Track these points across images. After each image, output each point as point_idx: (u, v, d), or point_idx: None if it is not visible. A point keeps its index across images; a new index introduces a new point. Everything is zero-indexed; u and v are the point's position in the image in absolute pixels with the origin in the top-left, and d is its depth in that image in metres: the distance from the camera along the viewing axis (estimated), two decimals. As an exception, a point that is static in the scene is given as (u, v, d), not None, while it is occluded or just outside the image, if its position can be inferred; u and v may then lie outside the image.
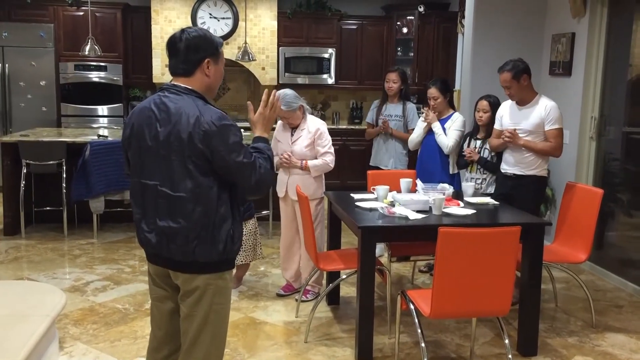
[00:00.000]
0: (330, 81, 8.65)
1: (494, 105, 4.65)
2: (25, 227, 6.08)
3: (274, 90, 2.57)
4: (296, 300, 4.38)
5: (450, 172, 5.00)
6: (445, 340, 3.91)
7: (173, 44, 2.37)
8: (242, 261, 4.62)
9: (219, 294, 2.40)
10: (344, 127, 8.76)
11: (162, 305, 2.51)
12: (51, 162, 5.98)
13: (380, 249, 5.27)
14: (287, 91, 4.33)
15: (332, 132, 8.43)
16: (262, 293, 4.67)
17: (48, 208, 6.26)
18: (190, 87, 2.36)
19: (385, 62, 8.65)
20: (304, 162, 4.34)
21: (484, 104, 4.70)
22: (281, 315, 4.24)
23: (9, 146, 5.99)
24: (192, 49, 2.35)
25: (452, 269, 3.02)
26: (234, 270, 4.70)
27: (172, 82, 2.40)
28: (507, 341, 3.34)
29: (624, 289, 4.93)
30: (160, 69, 8.04)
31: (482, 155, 4.69)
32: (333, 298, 4.45)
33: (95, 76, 8.07)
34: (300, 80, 8.46)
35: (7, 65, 7.80)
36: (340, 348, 3.76)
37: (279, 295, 4.59)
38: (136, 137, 2.38)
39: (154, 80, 8.05)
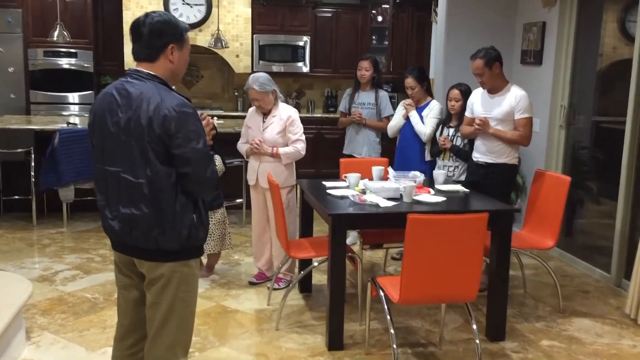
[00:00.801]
0: (305, 69, 8.61)
1: (465, 93, 4.67)
2: (-4, 216, 5.99)
3: (207, 117, 2.55)
4: (268, 288, 4.37)
5: (426, 159, 5.03)
6: (415, 327, 3.95)
7: (136, 28, 2.33)
8: (211, 250, 4.59)
9: (185, 282, 2.39)
10: (319, 115, 8.74)
11: (128, 293, 2.50)
12: (19, 150, 5.88)
13: (353, 237, 5.29)
14: (261, 74, 4.34)
15: (307, 120, 8.51)
16: (234, 281, 4.66)
17: (16, 197, 6.16)
18: (153, 73, 2.33)
19: (360, 51, 8.61)
20: (274, 149, 4.32)
21: (456, 92, 4.73)
22: (253, 304, 4.24)
23: (-24, 134, 5.87)
24: (155, 34, 2.31)
25: (420, 256, 3.04)
26: (205, 259, 4.71)
27: (135, 68, 2.36)
28: (474, 326, 3.38)
29: (591, 274, 5.02)
30: (131, 55, 7.91)
31: (454, 143, 4.72)
32: (305, 286, 4.46)
33: (65, 63, 7.92)
34: (275, 68, 8.41)
35: (-27, 51, 7.62)
36: (311, 335, 3.77)
37: (251, 284, 4.58)
38: (99, 123, 2.35)
39: (126, 67, 7.92)
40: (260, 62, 8.36)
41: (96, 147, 2.39)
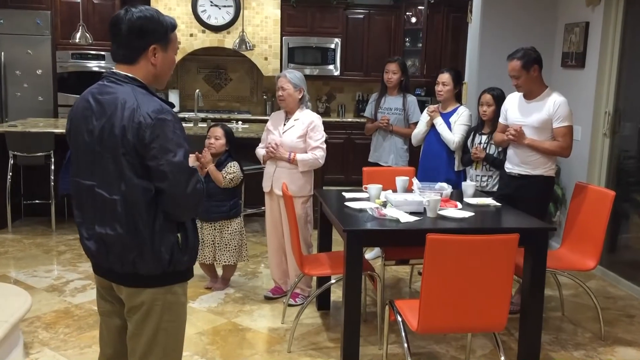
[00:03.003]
0: (336, 72, 8.35)
1: (498, 98, 4.34)
2: (14, 220, 5.89)
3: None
4: (284, 304, 4.11)
5: (456, 169, 4.71)
6: (439, 352, 3.63)
7: (114, 25, 2.07)
8: (226, 262, 4.37)
9: (169, 311, 2.13)
10: (350, 120, 8.46)
11: (110, 320, 2.26)
12: (39, 154, 5.77)
13: (377, 251, 5.00)
14: (297, 71, 4.24)
15: (337, 125, 8.33)
16: (249, 295, 4.41)
17: (37, 201, 6.06)
18: (131, 76, 2.08)
19: (392, 53, 8.29)
20: (292, 154, 4.06)
21: (488, 97, 4.40)
22: (266, 321, 3.98)
23: (-4, 137, 5.79)
24: (135, 33, 2.05)
25: (441, 280, 2.74)
26: (220, 271, 4.48)
27: (112, 70, 2.11)
28: (502, 357, 3.05)
29: (636, 296, 4.61)
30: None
31: (488, 152, 4.39)
32: (323, 303, 4.18)
33: (93, 65, 7.83)
34: (305, 71, 8.15)
35: (2, 53, 7.58)
36: (325, 359, 3.49)
37: (267, 299, 4.33)
38: (74, 131, 2.12)
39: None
40: (290, 64, 8.11)
41: (72, 157, 2.16)
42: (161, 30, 2.09)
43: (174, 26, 2.15)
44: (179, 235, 2.11)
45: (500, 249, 2.73)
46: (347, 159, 8.10)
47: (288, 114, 4.20)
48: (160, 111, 2.01)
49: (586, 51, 5.19)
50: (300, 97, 4.12)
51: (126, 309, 2.15)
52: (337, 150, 8.04)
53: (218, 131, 4.29)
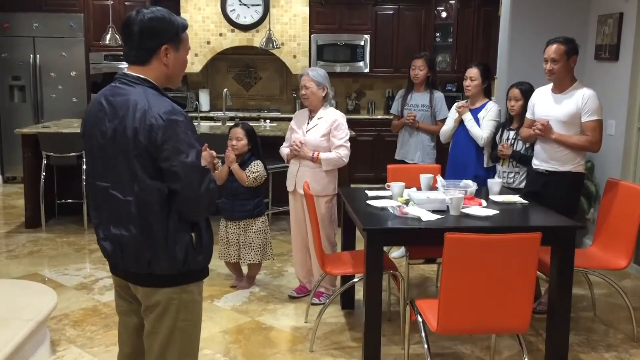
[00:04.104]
0: (365, 69, 8.28)
1: (526, 92, 4.23)
2: (47, 220, 6.01)
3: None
4: (308, 303, 4.10)
5: (485, 166, 4.62)
6: (464, 353, 3.57)
7: (126, 26, 2.09)
8: (251, 260, 4.37)
9: (185, 310, 2.14)
10: (380, 117, 8.39)
11: (128, 319, 2.29)
12: (71, 154, 5.87)
13: (402, 250, 4.93)
14: (320, 69, 4.25)
15: (366, 122, 8.28)
16: (274, 294, 4.41)
17: (70, 200, 6.18)
18: (142, 77, 2.09)
19: (422, 49, 8.18)
20: (315, 153, 4.04)
21: (516, 92, 4.30)
22: (290, 320, 3.98)
23: (30, 138, 5.92)
24: (147, 34, 2.07)
25: (461, 280, 2.68)
26: (245, 270, 4.49)
27: (124, 72, 2.13)
28: (526, 359, 2.97)
29: (674, 296, 4.45)
30: (190, 58, 7.86)
31: (515, 148, 4.29)
32: (348, 302, 4.15)
33: (126, 66, 7.91)
34: (334, 68, 8.10)
35: (38, 55, 7.77)
36: (346, 359, 3.46)
37: (291, 297, 4.32)
38: (88, 134, 2.15)
39: (185, 71, 7.86)
40: (319, 62, 8.08)
41: (86, 159, 2.20)
42: (172, 30, 2.11)
43: (185, 26, 2.16)
44: (192, 235, 2.12)
45: (522, 248, 2.66)
46: (376, 157, 8.03)
47: (312, 113, 4.18)
48: (172, 112, 2.02)
49: (620, 43, 5.03)
50: (323, 95, 4.10)
51: (143, 307, 2.18)
52: (366, 147, 7.99)
53: (239, 132, 4.30)
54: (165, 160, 2.00)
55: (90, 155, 2.16)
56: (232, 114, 7.63)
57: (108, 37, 6.26)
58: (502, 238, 2.68)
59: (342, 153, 4.07)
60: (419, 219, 3.27)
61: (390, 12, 8.29)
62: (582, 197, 5.24)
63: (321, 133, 4.08)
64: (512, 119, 4.41)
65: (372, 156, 8.10)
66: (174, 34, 2.11)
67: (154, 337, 2.16)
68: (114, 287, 2.34)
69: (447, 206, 3.44)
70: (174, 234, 2.06)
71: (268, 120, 6.74)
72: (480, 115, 4.58)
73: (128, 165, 2.03)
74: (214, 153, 2.32)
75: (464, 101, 4.73)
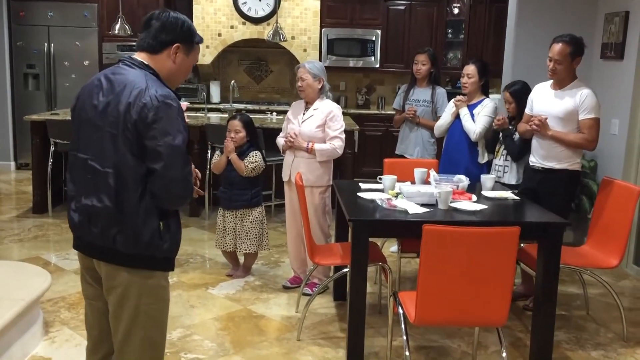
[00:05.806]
0: (376, 64, 8.28)
1: (517, 93, 4.27)
2: (54, 206, 6.12)
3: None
4: (299, 293, 4.14)
5: (480, 162, 4.62)
6: (451, 347, 3.58)
7: (149, 19, 2.22)
8: (247, 250, 4.43)
9: (148, 293, 2.18)
10: (390, 112, 8.36)
11: (94, 303, 2.33)
12: (79, 142, 5.96)
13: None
14: (318, 61, 4.29)
15: (375, 117, 8.29)
16: (268, 284, 4.46)
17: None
18: (146, 63, 2.18)
19: (434, 45, 8.14)
20: (310, 144, 4.07)
21: (506, 95, 4.35)
22: (281, 309, 4.02)
23: (38, 125, 6.03)
24: (166, 29, 2.19)
25: (438, 272, 2.70)
26: (241, 259, 4.53)
27: (130, 55, 2.22)
28: (504, 354, 2.98)
29: (670, 298, 4.42)
30: (201, 49, 7.92)
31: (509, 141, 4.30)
32: (340, 293, 4.18)
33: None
34: (344, 63, 8.13)
35: (52, 45, 7.90)
36: (333, 349, 3.50)
37: (285, 288, 4.37)
38: (79, 107, 2.22)
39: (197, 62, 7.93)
40: (329, 56, 8.10)
41: (73, 132, 2.25)
42: (188, 35, 2.23)
43: (200, 40, 2.29)
44: (161, 223, 2.15)
45: (500, 242, 2.67)
46: (385, 152, 7.97)
47: (308, 104, 4.22)
48: (167, 97, 2.09)
49: (625, 41, 4.98)
50: (319, 87, 4.13)
51: (105, 288, 2.22)
52: (374, 142, 8.01)
53: (237, 124, 4.34)
54: (152, 138, 2.05)
55: (76, 128, 2.22)
56: (241, 106, 7.69)
57: (117, 26, 6.35)
58: (480, 231, 2.69)
59: (337, 144, 4.10)
60: (405, 212, 3.29)
61: (402, 7, 8.27)
62: (584, 197, 5.22)
63: (316, 124, 4.11)
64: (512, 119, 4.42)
65: (380, 151, 8.09)
66: (189, 38, 2.23)
67: (118, 320, 2.20)
68: (80, 271, 2.39)
69: (436, 200, 3.46)
70: (144, 215, 2.10)
71: (274, 113, 6.78)
72: (475, 111, 4.58)
73: (112, 139, 2.08)
74: (199, 174, 2.37)
75: (461, 96, 4.72)
